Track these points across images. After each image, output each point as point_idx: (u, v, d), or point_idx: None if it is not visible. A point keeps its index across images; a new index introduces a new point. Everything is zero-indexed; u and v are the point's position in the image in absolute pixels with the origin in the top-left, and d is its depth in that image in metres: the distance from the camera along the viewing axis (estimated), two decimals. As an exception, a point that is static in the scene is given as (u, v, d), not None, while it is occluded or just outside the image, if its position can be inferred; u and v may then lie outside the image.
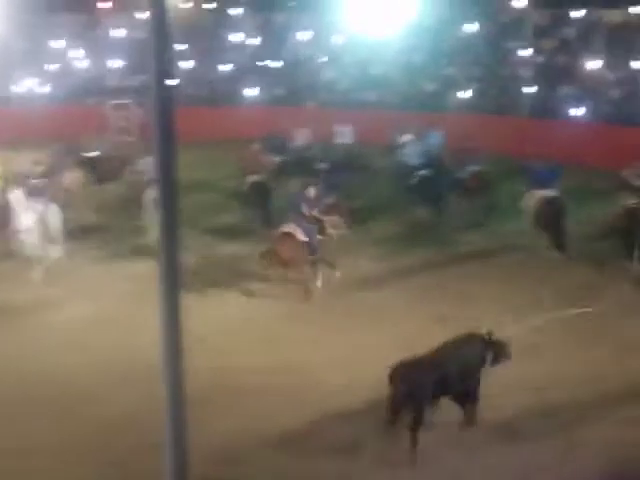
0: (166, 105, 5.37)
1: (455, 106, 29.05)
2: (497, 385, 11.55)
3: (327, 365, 13.32)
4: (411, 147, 22.52)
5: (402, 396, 10.72)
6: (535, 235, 18.25)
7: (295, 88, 31.65)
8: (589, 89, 27.56)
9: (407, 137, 23.33)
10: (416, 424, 10.69)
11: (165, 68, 5.33)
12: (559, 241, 17.82)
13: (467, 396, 11.27)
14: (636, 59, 27.73)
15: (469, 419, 11.37)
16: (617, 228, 17.26)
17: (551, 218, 17.79)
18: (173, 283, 5.32)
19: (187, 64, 32.17)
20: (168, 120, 5.38)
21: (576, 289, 15.91)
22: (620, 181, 18.29)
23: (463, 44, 31.11)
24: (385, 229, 20.24)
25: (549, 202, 18.02)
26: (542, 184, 18.39)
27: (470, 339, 11.36)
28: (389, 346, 13.37)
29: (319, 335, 14.41)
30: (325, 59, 32.42)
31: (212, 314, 14.81)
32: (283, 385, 12.63)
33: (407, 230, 20.07)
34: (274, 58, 33.00)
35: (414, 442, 10.67)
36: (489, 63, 30.60)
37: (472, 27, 31.74)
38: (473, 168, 20.69)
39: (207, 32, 35.45)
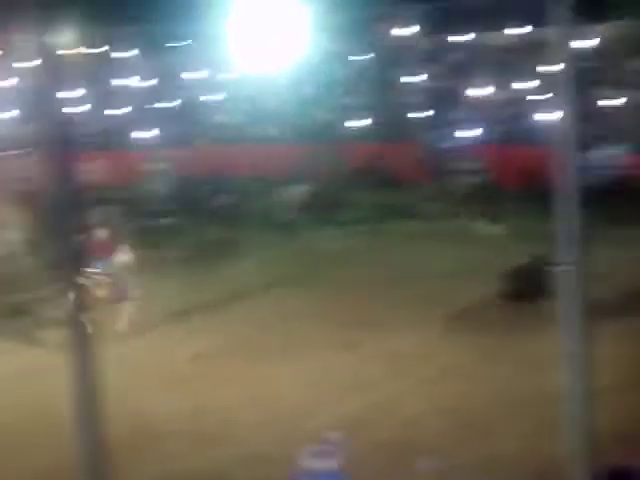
0: (61, 151, 5.30)
1: (351, 135, 29.43)
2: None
3: (240, 404, 13.17)
4: (157, 176, 25.32)
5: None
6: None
7: (191, 128, 31.62)
8: (479, 112, 28.11)
9: (158, 166, 26.07)
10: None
11: (57, 114, 5.26)
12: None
13: None
14: (522, 80, 28.41)
15: None
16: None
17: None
18: (82, 331, 5.23)
19: (79, 110, 31.78)
20: (65, 166, 5.31)
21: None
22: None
23: (355, 74, 31.45)
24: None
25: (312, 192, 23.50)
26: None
27: None
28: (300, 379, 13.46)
29: (229, 373, 14.25)
30: (219, 97, 32.46)
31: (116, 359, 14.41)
32: (196, 428, 12.44)
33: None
34: (167, 100, 32.92)
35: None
36: (381, 91, 30.99)
37: (363, 57, 32.15)
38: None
39: (97, 77, 35.19)
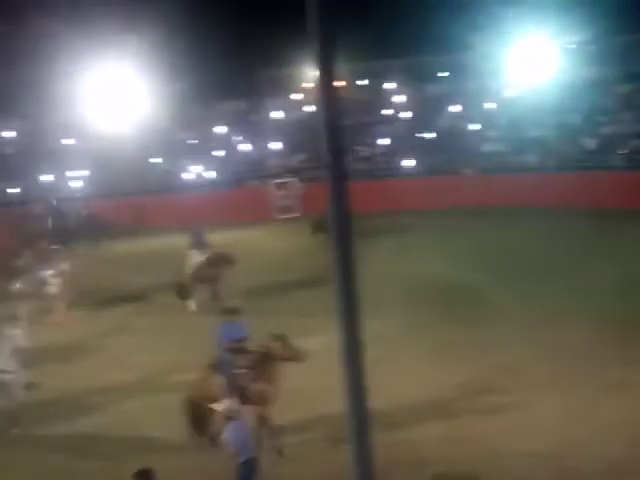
0: (342, 179, 5.62)
1: (616, 164, 28.67)
2: None
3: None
4: None
5: None
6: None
7: (451, 157, 31.88)
8: None
9: None
10: None
11: (339, 144, 5.58)
12: None
13: None
14: None
15: None
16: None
17: None
18: None
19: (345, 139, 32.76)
20: (343, 192, 5.62)
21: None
22: None
23: (622, 102, 30.50)
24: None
25: None
26: None
27: None
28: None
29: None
30: (479, 126, 32.46)
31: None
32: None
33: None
34: (429, 129, 33.32)
35: None
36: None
37: (629, 85, 31.21)
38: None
39: (363, 107, 36.25)
